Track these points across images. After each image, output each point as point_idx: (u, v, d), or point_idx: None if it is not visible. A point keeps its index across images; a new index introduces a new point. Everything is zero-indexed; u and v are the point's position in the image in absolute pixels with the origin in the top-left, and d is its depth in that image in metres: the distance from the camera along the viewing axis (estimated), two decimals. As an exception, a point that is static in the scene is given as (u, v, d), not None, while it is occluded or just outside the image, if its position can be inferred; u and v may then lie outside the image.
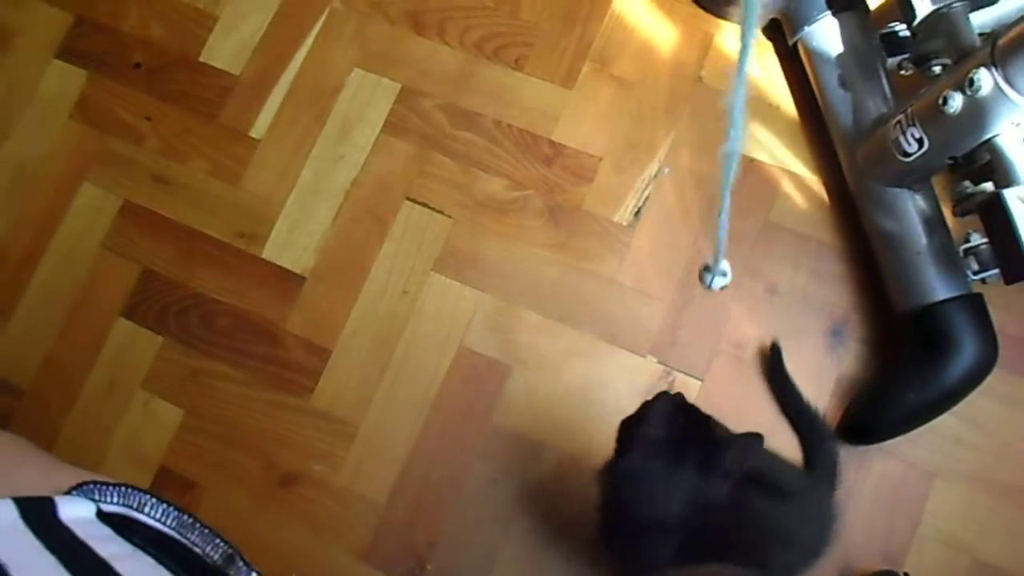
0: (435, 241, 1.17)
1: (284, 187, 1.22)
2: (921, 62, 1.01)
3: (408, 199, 1.18)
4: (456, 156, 1.19)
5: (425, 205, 1.18)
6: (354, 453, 1.13)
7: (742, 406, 1.08)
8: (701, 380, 1.09)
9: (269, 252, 1.20)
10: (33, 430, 1.20)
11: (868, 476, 1.05)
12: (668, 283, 1.12)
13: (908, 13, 0.96)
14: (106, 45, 1.31)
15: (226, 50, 1.28)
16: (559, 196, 1.16)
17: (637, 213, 1.14)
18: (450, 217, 1.17)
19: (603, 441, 1.09)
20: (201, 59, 1.28)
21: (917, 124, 0.92)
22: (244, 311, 1.19)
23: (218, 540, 0.51)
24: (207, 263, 1.21)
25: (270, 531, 1.12)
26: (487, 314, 1.14)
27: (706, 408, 1.06)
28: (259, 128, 1.24)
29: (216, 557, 0.50)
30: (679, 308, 1.12)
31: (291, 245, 1.20)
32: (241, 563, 0.50)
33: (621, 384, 1.10)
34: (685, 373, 1.10)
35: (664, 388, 1.09)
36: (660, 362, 1.10)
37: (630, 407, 1.09)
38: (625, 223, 1.15)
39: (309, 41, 1.26)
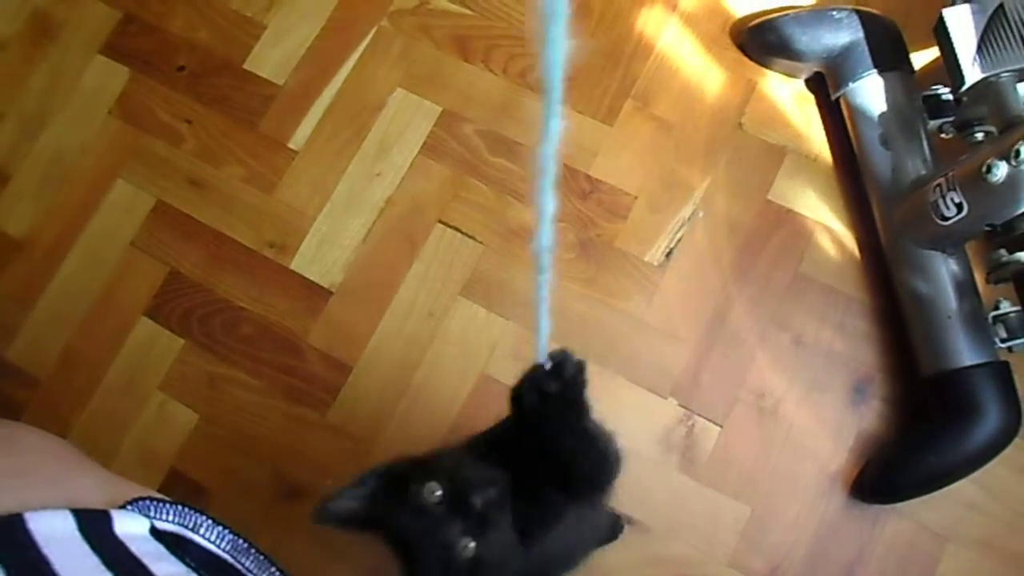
0: (464, 266, 1.17)
1: (318, 200, 1.22)
2: (964, 127, 1.02)
3: (440, 222, 1.19)
4: (492, 183, 1.19)
5: (457, 229, 1.18)
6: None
7: (759, 456, 1.08)
8: (721, 426, 1.09)
9: (297, 264, 1.20)
10: (45, 422, 1.19)
11: (881, 536, 1.05)
12: (695, 326, 1.12)
13: (957, 79, 0.96)
14: (152, 45, 1.32)
15: (271, 59, 1.28)
16: (592, 231, 1.16)
17: (668, 254, 1.15)
18: (481, 243, 1.17)
19: (620, 480, 1.08)
20: (245, 66, 1.28)
21: (958, 189, 0.92)
22: (268, 321, 1.19)
23: (274, 568, 0.50)
24: (235, 269, 1.21)
25: (274, 544, 1.10)
26: (511, 343, 1.14)
27: (723, 456, 1.08)
28: (298, 139, 1.25)
29: None
30: (704, 351, 1.11)
31: (320, 258, 1.20)
32: None
33: (640, 424, 1.10)
34: (705, 418, 1.09)
35: (683, 432, 1.09)
36: (681, 405, 1.10)
37: (648, 446, 1.09)
38: (656, 263, 1.15)
39: (354, 58, 1.26)
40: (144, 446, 1.17)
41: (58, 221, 1.27)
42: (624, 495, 1.08)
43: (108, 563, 0.41)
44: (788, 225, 1.14)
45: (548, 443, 0.57)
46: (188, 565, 0.46)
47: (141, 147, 1.28)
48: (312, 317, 1.18)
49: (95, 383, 1.20)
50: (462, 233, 1.18)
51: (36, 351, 1.23)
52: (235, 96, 1.28)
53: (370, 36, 1.27)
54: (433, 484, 0.52)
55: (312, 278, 1.20)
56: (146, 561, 0.43)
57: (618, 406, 1.11)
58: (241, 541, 0.50)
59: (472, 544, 0.52)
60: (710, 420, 1.09)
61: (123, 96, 1.31)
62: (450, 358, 1.14)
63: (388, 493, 0.54)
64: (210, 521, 0.50)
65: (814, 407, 1.09)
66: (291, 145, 1.25)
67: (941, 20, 0.97)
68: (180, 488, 1.15)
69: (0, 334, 1.24)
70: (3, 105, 1.33)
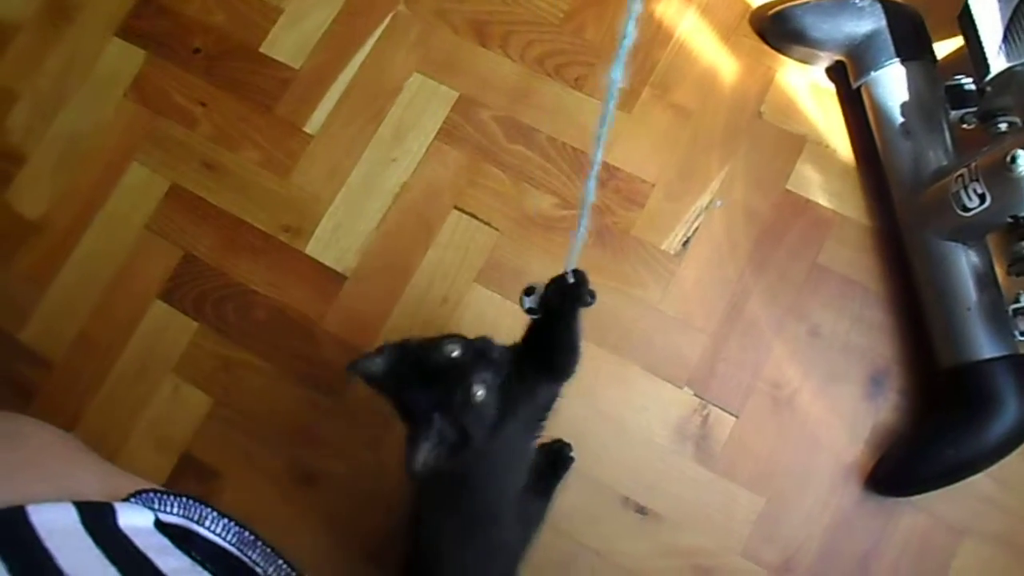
0: (480, 252, 1.16)
1: (333, 185, 1.21)
2: (987, 118, 1.00)
3: (456, 208, 1.18)
4: (508, 169, 1.19)
5: (473, 215, 1.18)
6: (379, 458, 1.12)
7: (774, 447, 1.07)
8: (736, 416, 1.08)
9: (312, 248, 1.20)
10: (59, 405, 1.20)
11: (896, 529, 1.04)
12: (711, 315, 1.11)
13: (981, 68, 0.95)
14: (168, 27, 1.31)
15: (288, 43, 1.28)
16: (608, 219, 1.15)
17: (686, 243, 1.14)
18: (497, 230, 1.17)
19: (634, 470, 1.08)
20: (262, 50, 1.28)
21: (980, 180, 0.91)
22: (282, 305, 1.19)
23: (281, 561, 0.49)
24: (249, 254, 1.21)
25: (288, 528, 1.11)
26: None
27: (738, 446, 1.07)
28: (314, 124, 1.24)
29: None
30: (720, 341, 1.11)
31: (335, 243, 1.20)
32: None
33: (655, 413, 1.10)
34: (721, 408, 1.09)
35: (698, 422, 1.08)
36: (696, 395, 1.09)
37: (662, 436, 1.09)
38: (673, 252, 1.14)
39: (371, 42, 1.26)
40: (158, 429, 1.17)
41: (73, 203, 1.27)
42: (638, 484, 1.08)
43: (111, 557, 0.40)
44: (807, 215, 1.13)
45: (545, 333, 0.74)
46: (194, 559, 0.45)
47: (156, 130, 1.28)
48: (326, 302, 1.18)
49: (109, 366, 1.20)
50: (478, 219, 1.18)
51: (50, 333, 1.23)
52: (251, 80, 1.27)
53: (387, 20, 1.26)
54: (453, 344, 0.66)
55: (327, 263, 1.19)
56: (150, 555, 0.42)
57: (633, 395, 1.10)
58: (247, 533, 0.49)
59: (481, 392, 0.65)
60: (725, 410, 1.09)
61: (139, 79, 1.30)
62: (464, 345, 1.14)
63: (404, 363, 0.67)
64: (215, 513, 0.49)
65: (830, 399, 1.08)
66: (307, 129, 1.24)
67: (966, 8, 0.96)
68: (193, 472, 1.15)
69: (15, 316, 1.24)
70: (19, 86, 1.32)
